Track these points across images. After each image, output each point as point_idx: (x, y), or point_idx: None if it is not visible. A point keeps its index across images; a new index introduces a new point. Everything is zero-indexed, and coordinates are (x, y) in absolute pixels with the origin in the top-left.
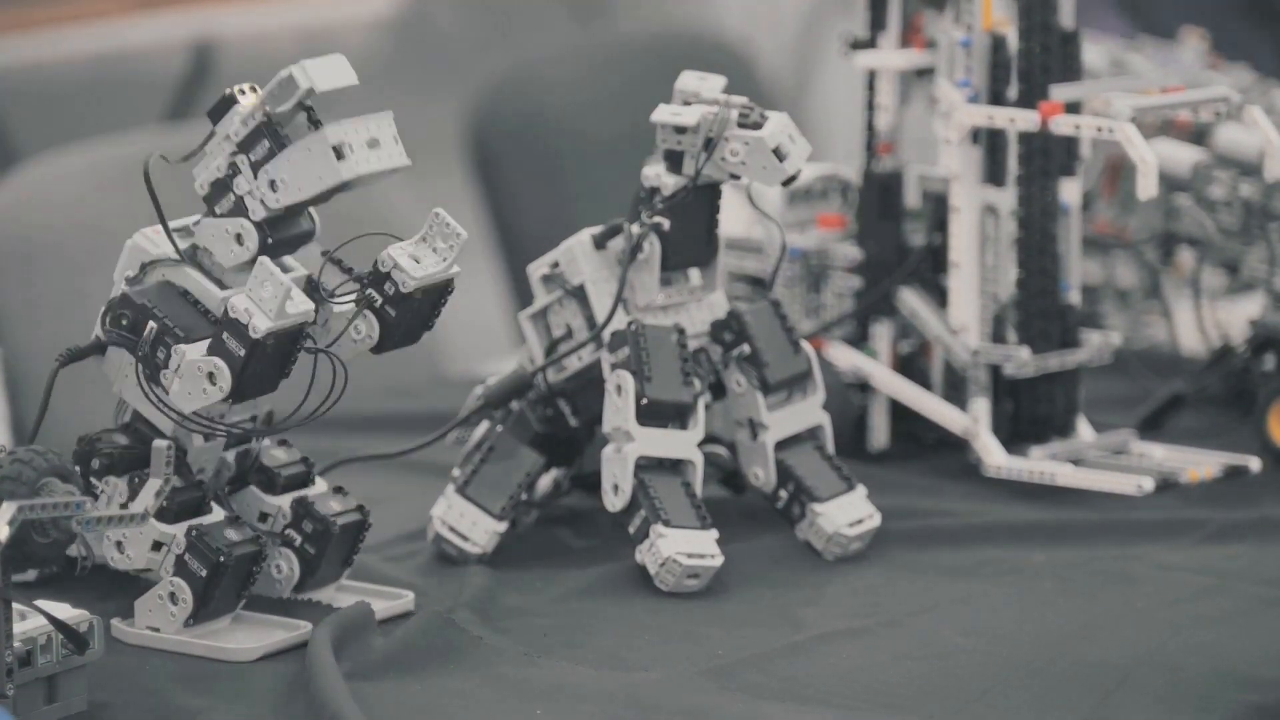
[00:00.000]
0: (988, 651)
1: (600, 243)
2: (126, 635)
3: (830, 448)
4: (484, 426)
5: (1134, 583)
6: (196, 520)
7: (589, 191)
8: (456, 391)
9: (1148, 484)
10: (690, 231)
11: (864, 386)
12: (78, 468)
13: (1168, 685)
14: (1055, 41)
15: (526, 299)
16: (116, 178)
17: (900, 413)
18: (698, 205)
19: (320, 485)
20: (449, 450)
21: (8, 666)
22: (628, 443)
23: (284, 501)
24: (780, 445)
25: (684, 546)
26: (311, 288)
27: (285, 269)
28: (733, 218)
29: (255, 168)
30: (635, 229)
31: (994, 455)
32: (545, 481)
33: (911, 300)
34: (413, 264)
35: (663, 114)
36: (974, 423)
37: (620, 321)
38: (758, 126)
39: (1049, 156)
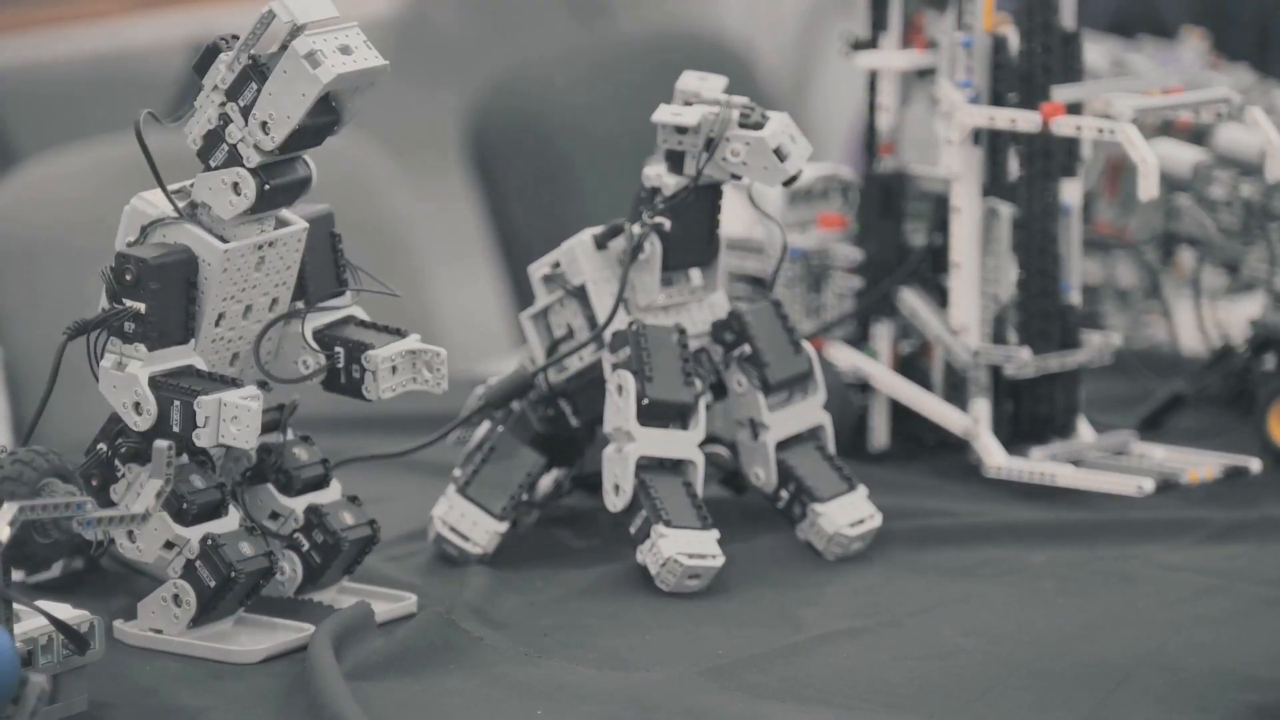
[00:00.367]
0: (988, 651)
1: (601, 243)
2: (129, 636)
3: (831, 448)
4: (485, 427)
5: (1134, 583)
6: (212, 526)
7: (589, 191)
8: (457, 392)
9: (1148, 484)
10: (691, 232)
11: (864, 387)
12: (102, 443)
13: (1168, 685)
14: (1056, 42)
15: (527, 299)
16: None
17: (901, 413)
18: (699, 205)
19: (335, 490)
20: (450, 450)
21: None
22: (629, 443)
23: (298, 505)
24: (781, 445)
25: (685, 547)
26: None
27: (283, 222)
28: (733, 218)
29: (245, 113)
30: (636, 229)
31: (994, 456)
32: (546, 482)
33: (912, 300)
34: (388, 375)
35: (664, 114)
36: (974, 423)
37: (621, 322)
38: (759, 127)
39: (1050, 157)
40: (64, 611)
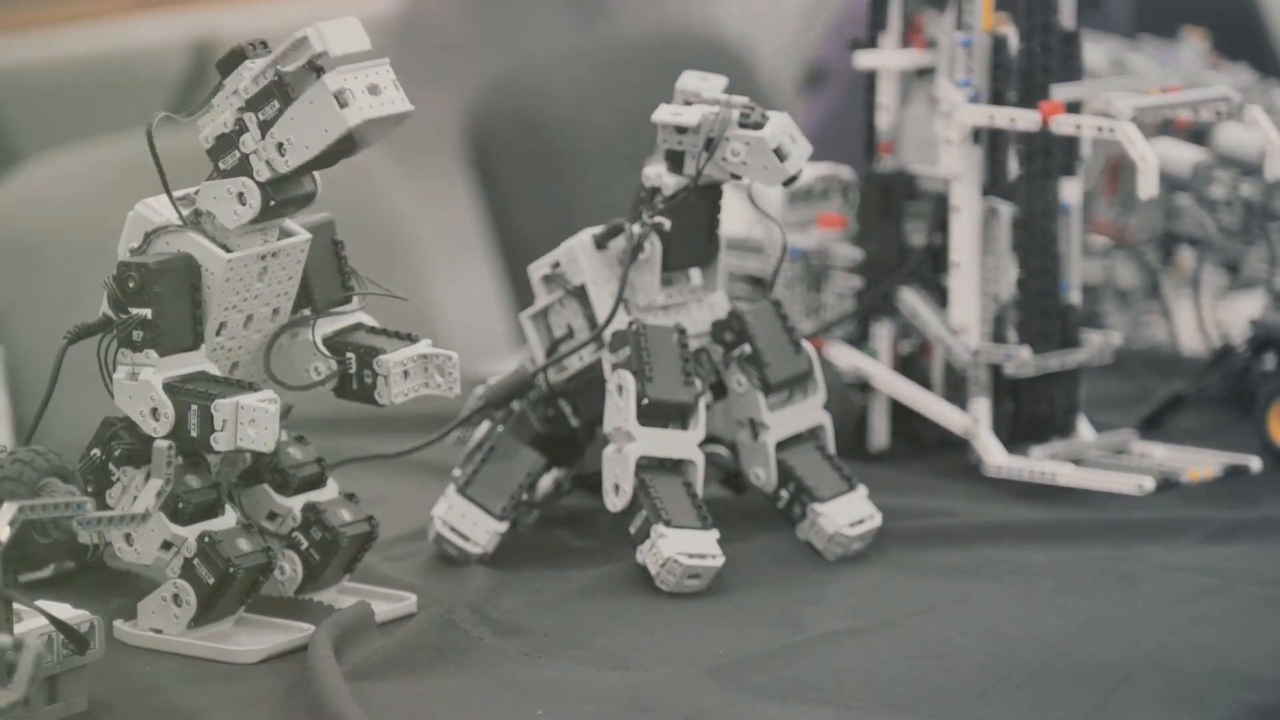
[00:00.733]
0: (988, 651)
1: (601, 243)
2: (129, 637)
3: (831, 448)
4: (485, 427)
5: (1134, 583)
6: (209, 525)
7: (589, 191)
8: None
9: (1148, 484)
10: (691, 231)
11: (864, 386)
12: (96, 449)
13: (1168, 685)
14: (1056, 42)
15: (527, 299)
16: (116, 178)
17: (901, 413)
18: (699, 205)
19: (332, 488)
20: (450, 450)
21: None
22: (629, 443)
23: (295, 504)
24: (781, 445)
25: (685, 547)
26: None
27: (286, 233)
28: (733, 218)
29: (263, 127)
30: (636, 229)
31: (994, 455)
32: (546, 482)
33: (912, 300)
34: (400, 380)
35: (664, 114)
36: (974, 423)
37: (621, 321)
38: (759, 126)
39: (1050, 156)
40: (64, 611)
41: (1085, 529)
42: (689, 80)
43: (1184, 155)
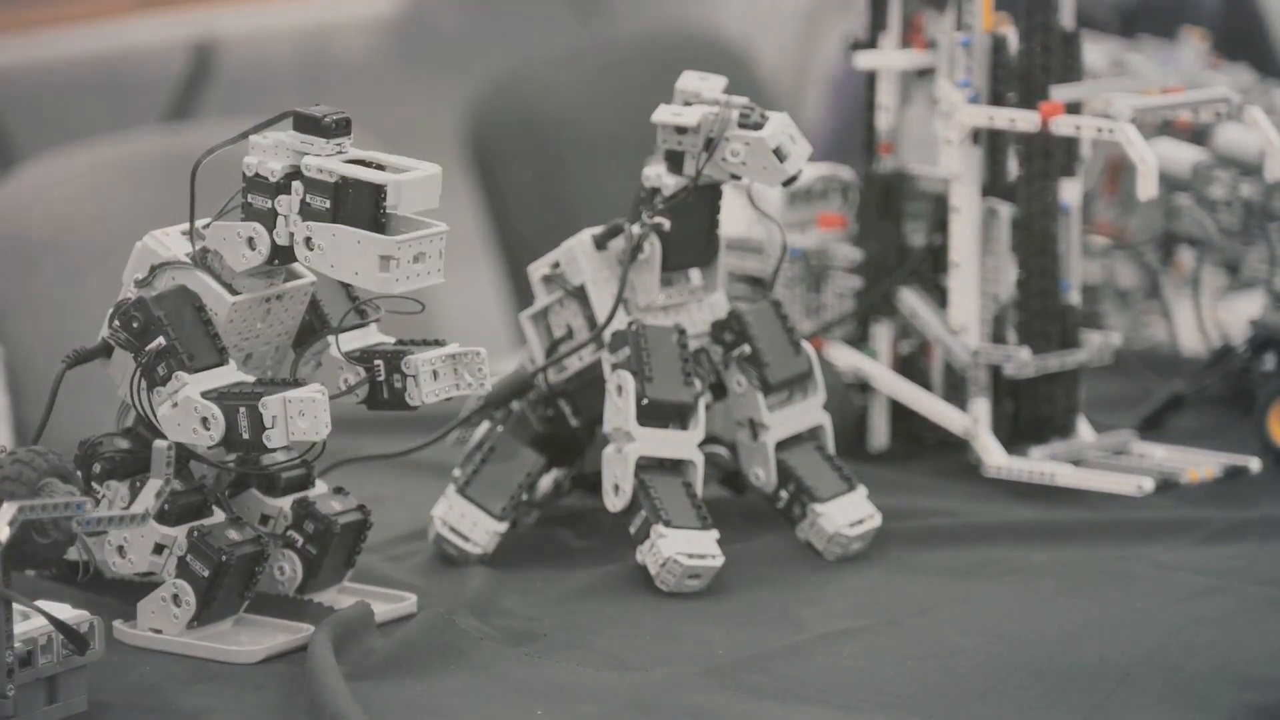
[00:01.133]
0: (988, 651)
1: (601, 243)
2: (129, 637)
3: (831, 448)
4: (485, 427)
5: (1134, 583)
6: (198, 522)
7: (589, 191)
8: None
9: (1148, 484)
10: (691, 232)
11: (864, 386)
12: (79, 472)
13: (1168, 685)
14: (1055, 42)
15: (526, 299)
16: (116, 178)
17: (900, 413)
18: (698, 206)
19: (321, 486)
20: (450, 450)
21: (8, 667)
22: (628, 443)
23: (285, 503)
24: (781, 445)
25: (685, 547)
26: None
27: (292, 275)
28: (733, 218)
29: (303, 210)
30: (636, 229)
31: (994, 455)
32: (546, 482)
33: (911, 300)
34: (429, 380)
35: (663, 114)
36: (974, 423)
37: (621, 322)
38: (758, 127)
39: (1049, 157)
40: (64, 611)
41: (1085, 529)
42: (689, 80)
43: (1184, 155)
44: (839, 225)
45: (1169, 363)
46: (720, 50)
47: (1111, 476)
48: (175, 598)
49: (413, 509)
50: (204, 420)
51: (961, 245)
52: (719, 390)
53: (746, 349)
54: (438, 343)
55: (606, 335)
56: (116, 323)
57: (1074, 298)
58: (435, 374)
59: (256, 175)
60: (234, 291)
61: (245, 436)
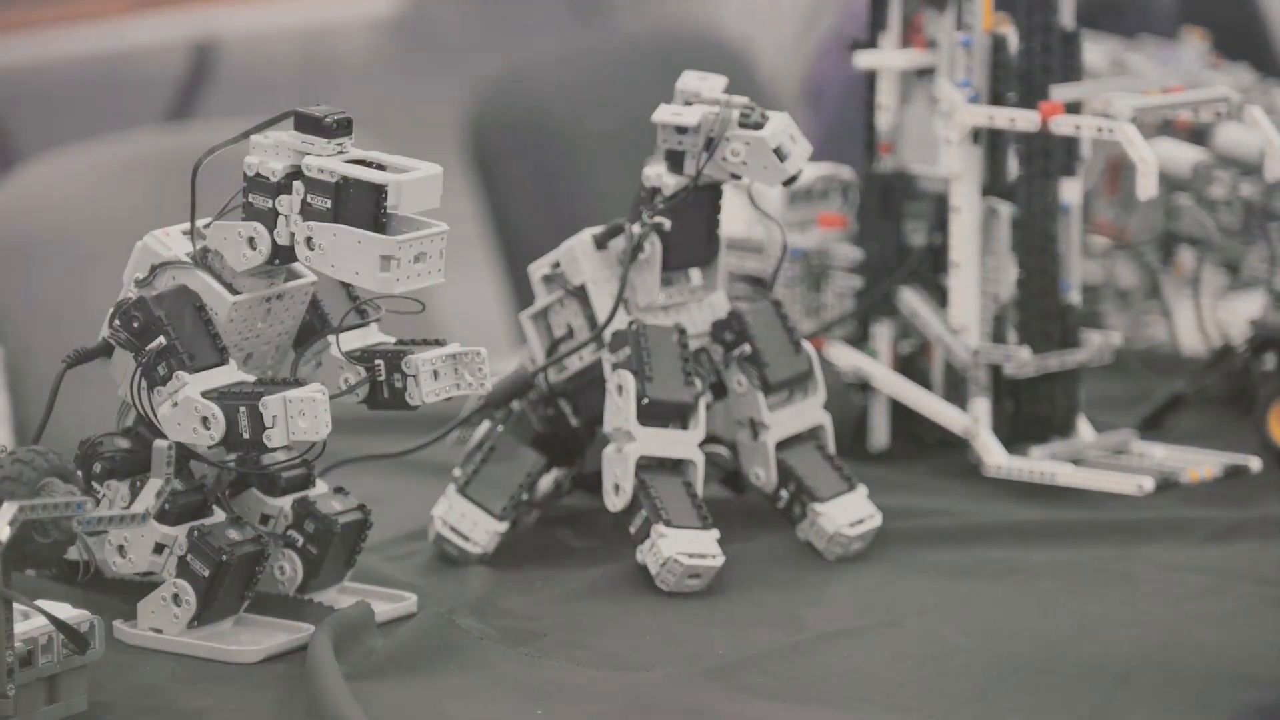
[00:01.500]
0: (988, 651)
1: (601, 243)
2: (129, 637)
3: (831, 448)
4: (485, 426)
5: (1134, 583)
6: (198, 522)
7: (589, 191)
8: None
9: (1148, 484)
10: (691, 231)
11: (864, 386)
12: (79, 472)
13: (1168, 685)
14: (1055, 42)
15: (527, 299)
16: (116, 178)
17: (901, 413)
18: (699, 205)
19: (321, 486)
20: (450, 450)
21: (8, 666)
22: (629, 442)
23: (285, 503)
24: (781, 445)
25: (685, 546)
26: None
27: (293, 274)
28: (733, 218)
29: (304, 210)
30: (636, 229)
31: (994, 455)
32: (546, 481)
33: (912, 300)
34: (430, 379)
35: (664, 114)
36: (974, 423)
37: (621, 321)
38: (759, 126)
39: (1049, 157)
40: (64, 611)
41: (1085, 529)
42: (689, 80)
43: (1184, 155)
44: (839, 225)
45: (1169, 363)
46: (720, 50)
47: (1112, 476)
48: (175, 597)
49: (413, 509)
50: (204, 420)
51: (961, 245)
52: (719, 390)
53: (747, 349)
54: (438, 342)
55: (607, 335)
56: (117, 322)
57: (1074, 298)
58: (436, 374)
59: (257, 175)
60: (234, 291)
61: (246, 436)
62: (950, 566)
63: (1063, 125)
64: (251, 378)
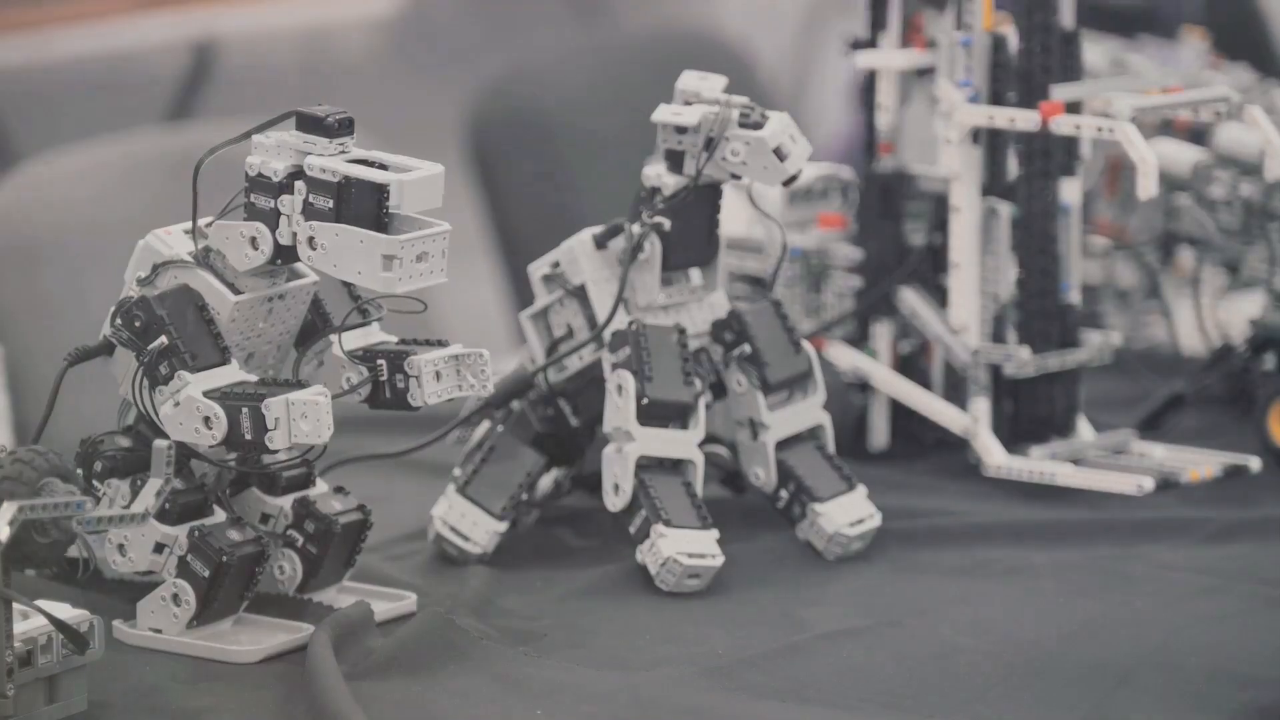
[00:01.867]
0: (988, 651)
1: (601, 242)
2: (129, 637)
3: (831, 447)
4: (485, 426)
5: (1134, 583)
6: (198, 521)
7: (589, 191)
8: None
9: (1148, 484)
10: (691, 231)
11: (864, 386)
12: (79, 470)
13: (1168, 685)
14: (1055, 41)
15: (527, 299)
16: (116, 178)
17: (900, 413)
18: (698, 205)
19: (321, 486)
20: (450, 450)
21: (8, 666)
22: (628, 442)
23: (285, 502)
24: (781, 445)
25: (685, 546)
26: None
27: (295, 274)
28: (733, 218)
29: (306, 210)
30: (636, 229)
31: (994, 455)
32: (546, 481)
33: (911, 300)
34: (432, 380)
35: (664, 114)
36: (974, 422)
37: (621, 321)
38: (758, 126)
39: (1049, 157)
40: (64, 611)
41: (1085, 529)
42: (689, 80)
43: (1184, 155)
44: (839, 225)
45: (1169, 363)
46: (720, 50)
47: (1111, 476)
48: (175, 597)
49: (413, 509)
50: (206, 420)
51: (961, 245)
52: (719, 390)
53: (746, 348)
54: (440, 343)
55: (607, 335)
56: (119, 321)
57: (1074, 298)
58: (438, 375)
59: (259, 175)
60: (236, 291)
61: (248, 437)
62: (950, 566)
63: (1063, 125)
64: (253, 377)
